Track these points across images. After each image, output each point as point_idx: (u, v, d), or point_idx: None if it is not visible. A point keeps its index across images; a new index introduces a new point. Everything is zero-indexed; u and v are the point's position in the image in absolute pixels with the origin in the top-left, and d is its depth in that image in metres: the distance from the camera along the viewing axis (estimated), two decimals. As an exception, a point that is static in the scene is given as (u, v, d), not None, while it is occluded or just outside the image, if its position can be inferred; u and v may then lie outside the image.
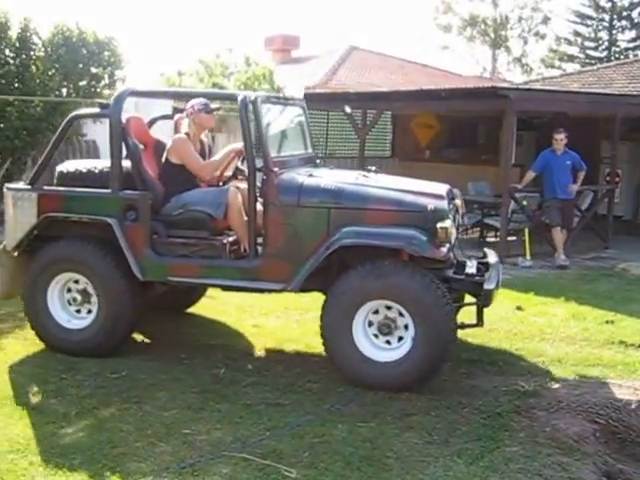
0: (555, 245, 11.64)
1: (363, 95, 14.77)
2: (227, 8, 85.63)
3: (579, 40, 41.49)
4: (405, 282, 5.84)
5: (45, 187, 6.84)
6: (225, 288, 6.74)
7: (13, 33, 14.27)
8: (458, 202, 6.83)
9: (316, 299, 6.74)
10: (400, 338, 5.96)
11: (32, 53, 14.58)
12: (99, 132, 15.68)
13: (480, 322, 6.50)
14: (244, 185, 6.63)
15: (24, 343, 6.99)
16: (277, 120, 6.91)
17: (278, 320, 8.16)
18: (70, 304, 6.71)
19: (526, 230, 11.88)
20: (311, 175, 6.47)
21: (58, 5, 56.33)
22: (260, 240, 6.40)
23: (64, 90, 15.34)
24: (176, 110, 7.03)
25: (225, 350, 6.99)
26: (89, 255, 6.50)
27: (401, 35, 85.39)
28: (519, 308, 8.73)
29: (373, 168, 6.83)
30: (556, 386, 6.21)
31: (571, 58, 41.88)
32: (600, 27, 40.50)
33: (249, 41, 73.59)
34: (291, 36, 35.39)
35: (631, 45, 40.25)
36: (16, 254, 6.87)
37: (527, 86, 18.21)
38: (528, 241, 11.68)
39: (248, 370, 6.44)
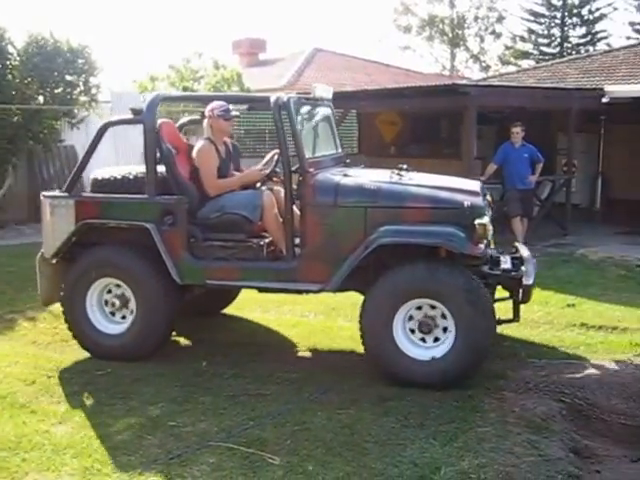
0: (515, 234, 11.90)
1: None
2: (195, 14, 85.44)
3: (533, 37, 42.03)
4: (450, 281, 5.81)
5: (83, 194, 6.90)
6: (262, 290, 6.70)
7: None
8: (489, 198, 6.85)
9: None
10: (436, 339, 5.95)
11: (8, 62, 14.70)
12: (77, 138, 15.81)
13: (517, 317, 6.52)
14: (277, 187, 6.67)
15: (11, 344, 7.10)
16: (309, 121, 6.92)
17: (255, 313, 8.32)
18: (109, 309, 6.71)
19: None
20: (346, 175, 6.43)
21: (30, 15, 55.82)
22: (296, 242, 6.37)
23: (41, 98, 15.42)
24: (203, 115, 7.00)
25: (206, 344, 7.15)
26: (127, 260, 6.53)
27: (363, 36, 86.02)
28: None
29: (405, 166, 6.75)
30: (523, 368, 6.43)
31: (526, 55, 42.41)
32: (552, 24, 41.09)
33: (217, 45, 74.52)
34: (258, 39, 35.64)
35: (582, 41, 40.91)
36: (54, 261, 6.86)
37: (485, 83, 18.56)
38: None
39: (229, 362, 6.59)
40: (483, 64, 47.53)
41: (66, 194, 6.80)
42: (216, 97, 7.21)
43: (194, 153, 6.73)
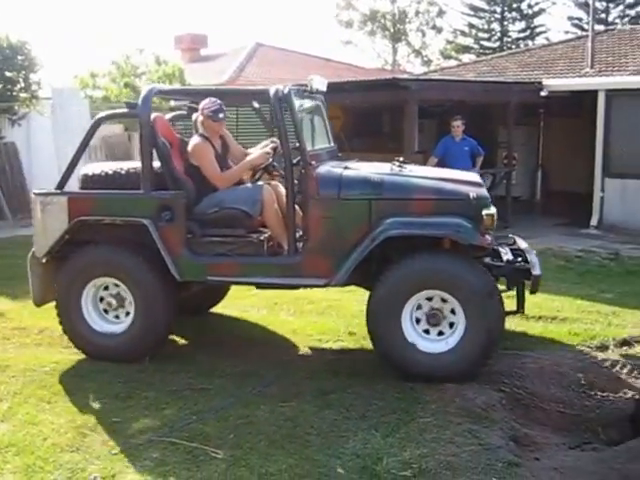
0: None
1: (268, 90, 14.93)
2: (136, 9, 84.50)
3: (473, 32, 42.45)
4: (459, 272, 5.79)
5: (76, 191, 6.68)
6: (263, 286, 6.57)
7: None
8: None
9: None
10: (441, 332, 5.93)
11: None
12: (17, 135, 15.55)
13: (521, 309, 6.52)
14: (274, 182, 6.57)
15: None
16: (305, 113, 6.77)
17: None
18: (105, 309, 6.55)
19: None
20: (347, 167, 6.33)
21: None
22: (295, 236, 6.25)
23: (-19, 94, 15.15)
24: (191, 109, 6.83)
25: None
26: (124, 258, 6.36)
27: (305, 31, 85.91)
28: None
29: (401, 159, 6.65)
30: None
31: (467, 49, 42.84)
32: (492, 19, 41.52)
33: (159, 41, 73.54)
34: (199, 35, 35.39)
35: (521, 35, 41.47)
36: (45, 260, 6.65)
37: (426, 77, 18.73)
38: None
39: (172, 358, 6.58)
40: (425, 59, 47.89)
41: (58, 191, 6.60)
42: (213, 92, 7.07)
43: (189, 150, 6.56)
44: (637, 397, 5.67)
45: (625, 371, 6.28)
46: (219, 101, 6.54)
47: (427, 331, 5.94)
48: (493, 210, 6.02)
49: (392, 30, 47.12)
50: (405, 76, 17.45)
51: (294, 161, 6.11)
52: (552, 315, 7.86)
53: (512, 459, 4.63)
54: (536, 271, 6.19)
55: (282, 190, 6.48)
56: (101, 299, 6.55)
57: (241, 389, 5.83)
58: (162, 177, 6.42)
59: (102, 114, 6.97)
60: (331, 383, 5.92)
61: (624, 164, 14.11)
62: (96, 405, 5.55)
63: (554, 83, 15.31)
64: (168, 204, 6.25)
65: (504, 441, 4.91)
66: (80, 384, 5.96)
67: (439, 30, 46.84)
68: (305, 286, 6.44)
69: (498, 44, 40.75)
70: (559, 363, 6.38)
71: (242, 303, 8.44)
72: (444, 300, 5.88)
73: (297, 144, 6.14)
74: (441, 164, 12.23)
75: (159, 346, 6.53)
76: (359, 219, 6.02)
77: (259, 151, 6.67)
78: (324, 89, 6.84)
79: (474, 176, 6.62)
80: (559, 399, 5.76)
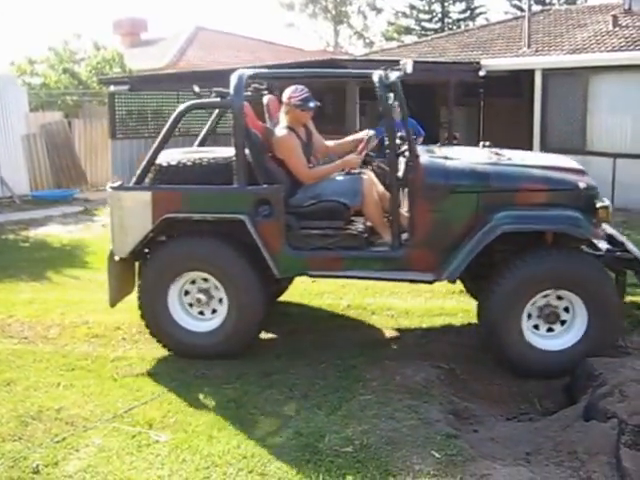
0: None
1: (210, 73, 14.91)
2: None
3: (415, 13, 42.64)
4: (581, 268, 5.65)
5: (161, 185, 6.12)
6: (364, 279, 6.41)
7: None
8: None
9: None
10: (550, 329, 5.82)
11: None
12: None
13: (622, 297, 6.25)
14: (367, 172, 6.35)
15: None
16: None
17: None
18: (190, 305, 6.21)
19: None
20: (447, 157, 6.09)
21: None
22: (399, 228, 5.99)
23: None
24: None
25: (91, 326, 7.08)
26: (219, 254, 6.02)
27: (247, 14, 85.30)
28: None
29: (487, 143, 6.45)
30: (404, 336, 6.65)
31: (408, 30, 42.98)
32: (433, 0, 41.80)
33: (97, 26, 72.23)
34: (139, 19, 35.04)
35: (462, 16, 41.83)
36: (118, 258, 6.22)
37: (365, 57, 18.79)
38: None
39: (113, 345, 6.58)
40: (367, 40, 48.02)
41: (139, 186, 6.13)
42: (308, 75, 6.73)
43: (275, 143, 6.24)
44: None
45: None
46: (306, 88, 6.32)
47: (536, 326, 5.82)
48: (607, 202, 5.77)
49: (333, 12, 47.09)
50: (345, 57, 17.46)
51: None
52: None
53: (451, 432, 4.72)
54: None
55: (374, 179, 6.33)
56: (186, 293, 6.21)
57: (184, 372, 5.85)
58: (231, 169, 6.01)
59: (188, 104, 6.39)
60: (274, 364, 5.97)
61: (561, 140, 14.40)
62: (38, 394, 5.51)
63: (492, 63, 15.52)
64: (267, 198, 5.90)
65: (443, 415, 5.01)
66: (22, 373, 5.91)
67: (379, 11, 46.95)
68: (410, 281, 6.26)
69: (439, 25, 41.04)
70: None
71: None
72: (559, 297, 5.75)
73: (402, 134, 6.00)
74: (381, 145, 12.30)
75: (252, 342, 6.26)
76: (466, 212, 5.81)
77: (354, 156, 6.34)
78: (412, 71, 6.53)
79: (571, 162, 6.41)
80: (497, 373, 5.87)
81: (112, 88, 17.83)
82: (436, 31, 37.79)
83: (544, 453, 4.45)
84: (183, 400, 5.34)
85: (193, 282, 6.17)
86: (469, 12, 41.73)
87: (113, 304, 6.35)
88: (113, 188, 6.20)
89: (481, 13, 41.70)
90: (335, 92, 16.69)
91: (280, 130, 6.27)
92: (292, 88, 6.30)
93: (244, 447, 4.63)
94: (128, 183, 6.30)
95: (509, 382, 5.77)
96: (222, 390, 5.48)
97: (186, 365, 5.99)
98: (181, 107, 6.26)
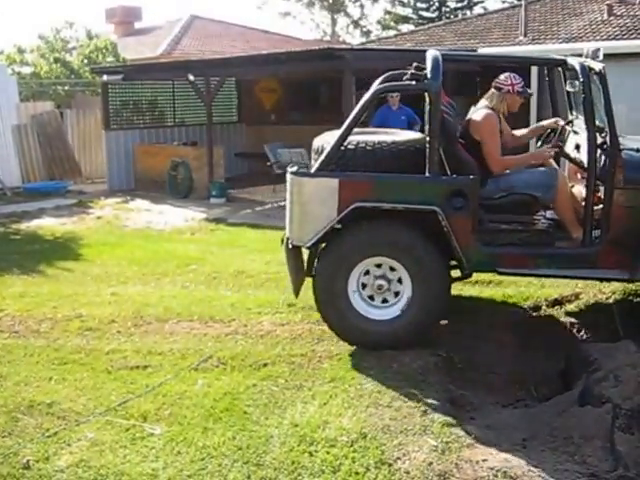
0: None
1: (204, 62, 14.82)
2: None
3: (412, 2, 42.49)
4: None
5: (348, 172, 5.82)
6: (554, 277, 6.32)
7: None
8: None
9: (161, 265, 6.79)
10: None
11: None
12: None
13: None
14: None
15: None
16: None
17: (136, 287, 8.20)
18: (370, 296, 5.95)
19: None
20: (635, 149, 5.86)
21: None
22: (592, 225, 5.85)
23: None
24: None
25: (84, 320, 6.99)
26: (411, 241, 5.74)
27: (242, 3, 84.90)
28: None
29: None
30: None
31: (405, 19, 42.80)
32: (431, -12, 41.67)
33: (89, 14, 71.80)
34: (132, 7, 34.70)
35: (459, 5, 41.66)
36: (291, 247, 6.03)
37: (362, 46, 18.71)
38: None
39: (108, 337, 6.51)
40: (364, 29, 47.84)
41: (323, 172, 5.85)
42: (503, 58, 6.68)
43: (479, 122, 6.06)
44: (567, 353, 5.80)
45: (556, 329, 6.45)
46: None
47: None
48: None
49: (330, 1, 46.91)
50: (342, 46, 17.39)
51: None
52: (487, 279, 7.90)
53: (448, 419, 4.71)
54: None
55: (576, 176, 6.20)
56: (364, 286, 5.96)
57: (178, 365, 5.80)
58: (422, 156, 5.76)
59: (381, 86, 6.18)
60: (268, 355, 5.92)
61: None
62: (29, 389, 5.44)
63: (488, 52, 15.41)
64: (462, 190, 5.63)
65: (440, 403, 4.99)
66: (13, 368, 5.84)
67: (376, 0, 46.80)
68: (604, 279, 6.15)
69: (437, 14, 40.82)
70: (493, 325, 6.51)
71: (181, 279, 8.44)
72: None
73: (602, 125, 5.85)
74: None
75: (428, 333, 6.02)
76: None
77: (544, 150, 6.36)
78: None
79: None
80: (494, 361, 5.87)
81: (105, 78, 17.67)
82: (433, 20, 37.58)
83: (540, 439, 4.47)
84: (177, 393, 5.28)
85: (367, 273, 5.93)
86: (466, 1, 41.56)
87: (298, 293, 6.22)
88: (294, 173, 5.94)
89: (479, 2, 41.53)
90: (330, 83, 16.66)
91: (484, 111, 6.13)
92: (509, 75, 6.21)
93: (239, 438, 4.59)
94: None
95: (506, 370, 5.76)
96: (217, 382, 5.43)
97: (181, 358, 5.94)
98: (372, 89, 6.04)
